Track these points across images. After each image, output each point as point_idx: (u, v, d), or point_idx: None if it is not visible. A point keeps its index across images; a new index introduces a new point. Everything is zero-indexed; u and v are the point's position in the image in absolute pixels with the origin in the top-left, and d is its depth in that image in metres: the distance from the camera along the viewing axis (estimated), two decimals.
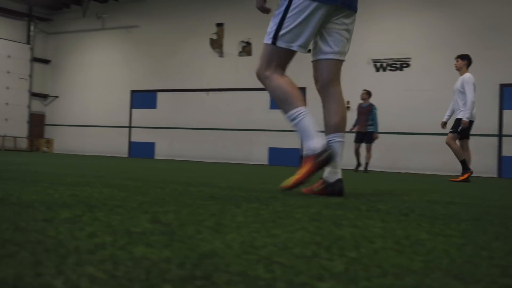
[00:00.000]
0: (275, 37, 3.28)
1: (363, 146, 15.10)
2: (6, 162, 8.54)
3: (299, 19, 3.22)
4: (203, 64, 23.02)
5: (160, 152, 23.57)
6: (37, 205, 2.17)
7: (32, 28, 26.68)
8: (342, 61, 3.58)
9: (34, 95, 26.63)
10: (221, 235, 1.61)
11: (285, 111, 3.28)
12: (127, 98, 24.75)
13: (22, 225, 1.61)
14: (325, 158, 3.15)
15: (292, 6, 3.21)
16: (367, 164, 15.02)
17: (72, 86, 26.44)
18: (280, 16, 3.25)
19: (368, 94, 15.39)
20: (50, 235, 1.46)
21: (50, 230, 1.56)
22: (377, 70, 19.64)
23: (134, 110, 24.59)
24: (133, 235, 1.55)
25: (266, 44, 3.35)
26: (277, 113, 18.23)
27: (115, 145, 24.78)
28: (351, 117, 18.98)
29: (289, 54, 3.34)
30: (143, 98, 24.32)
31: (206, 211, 2.26)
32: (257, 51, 21.78)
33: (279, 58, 3.32)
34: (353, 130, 15.16)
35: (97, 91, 25.53)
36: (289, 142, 20.79)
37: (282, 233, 1.71)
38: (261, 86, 3.55)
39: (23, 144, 26.17)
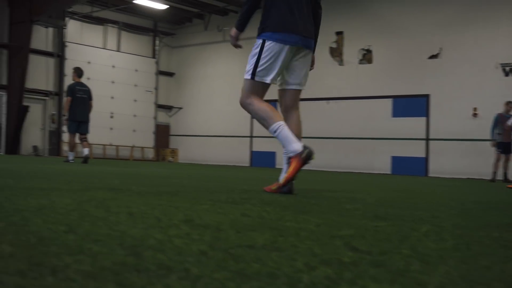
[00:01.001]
0: (253, 74, 4.35)
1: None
2: (153, 174, 9.90)
3: (271, 59, 4.28)
4: (323, 73, 24.01)
5: (281, 161, 24.79)
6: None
7: (157, 42, 29.07)
8: (301, 90, 4.62)
9: (159, 106, 28.97)
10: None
11: (268, 127, 4.29)
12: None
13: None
14: (307, 154, 4.06)
15: (265, 49, 4.29)
16: (505, 173, 15.38)
17: (195, 97, 28.49)
18: (256, 57, 4.33)
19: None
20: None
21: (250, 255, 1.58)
22: (506, 74, 19.70)
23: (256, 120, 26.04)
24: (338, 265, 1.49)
25: (246, 79, 4.41)
26: (400, 120, 19.12)
27: (237, 154, 26.38)
28: (479, 124, 19.30)
29: (264, 86, 4.39)
30: None
31: (384, 234, 2.25)
32: (378, 58, 22.57)
33: (257, 89, 4.37)
34: (495, 139, 15.30)
35: (219, 101, 27.34)
36: (413, 150, 21.31)
37: None
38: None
39: (150, 154, 28.49)
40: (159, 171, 10.26)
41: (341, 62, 23.64)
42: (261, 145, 25.70)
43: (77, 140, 13.01)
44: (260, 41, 4.32)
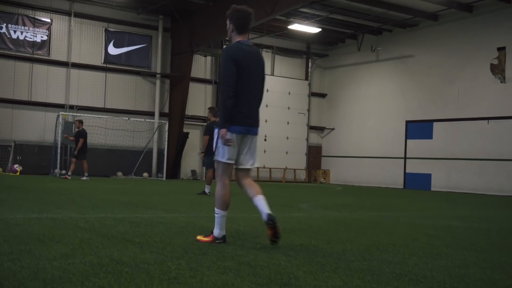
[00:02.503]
0: (220, 155, 5.50)
1: None
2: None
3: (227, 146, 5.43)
4: (483, 91, 23.19)
5: (437, 183, 24.26)
6: None
7: (310, 64, 29.82)
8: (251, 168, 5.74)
9: (311, 128, 29.64)
10: None
11: (217, 208, 5.45)
12: (402, 128, 26.03)
13: None
14: (219, 242, 5.38)
15: (220, 139, 5.42)
16: None
17: (348, 118, 28.80)
18: (215, 142, 5.51)
19: None
20: None
21: None
22: None
23: (409, 141, 25.75)
24: None
25: (215, 161, 5.58)
26: None
27: (390, 176, 26.20)
28: None
29: (229, 165, 5.54)
30: (418, 129, 25.33)
31: None
32: None
33: (225, 168, 5.52)
34: None
35: (371, 122, 27.39)
36: None
37: None
38: None
39: (302, 175, 29.19)
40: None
41: (503, 79, 22.63)
42: (415, 167, 25.32)
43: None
44: (217, 130, 5.53)
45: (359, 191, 21.26)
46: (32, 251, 4.40)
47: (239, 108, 5.46)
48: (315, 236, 6.41)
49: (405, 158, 25.93)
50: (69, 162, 21.60)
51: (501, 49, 22.82)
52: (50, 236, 5.26)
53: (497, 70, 22.93)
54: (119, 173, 24.01)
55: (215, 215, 5.46)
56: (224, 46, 5.22)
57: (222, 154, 5.48)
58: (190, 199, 11.63)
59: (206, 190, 13.44)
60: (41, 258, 4.15)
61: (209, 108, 14.32)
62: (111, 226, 6.25)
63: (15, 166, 21.64)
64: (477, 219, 9.89)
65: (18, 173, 21.36)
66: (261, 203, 5.45)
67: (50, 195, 10.79)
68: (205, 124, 26.65)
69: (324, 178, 29.03)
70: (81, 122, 19.83)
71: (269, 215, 5.30)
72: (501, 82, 22.75)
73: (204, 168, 14.11)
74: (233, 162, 5.55)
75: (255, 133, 5.69)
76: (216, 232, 5.44)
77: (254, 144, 5.75)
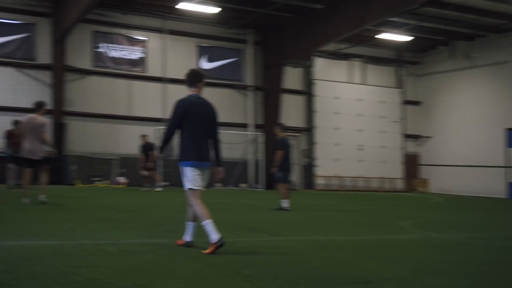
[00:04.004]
0: (192, 184, 6.78)
1: None
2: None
3: (192, 175, 6.79)
4: None
5: None
6: None
7: (402, 72, 29.33)
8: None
9: (407, 136, 29.10)
10: None
11: (201, 220, 6.61)
12: (501, 136, 25.11)
13: None
14: (220, 244, 6.41)
15: (187, 170, 6.80)
16: None
17: (444, 126, 28.07)
18: (186, 175, 6.80)
19: None
20: None
21: None
22: None
23: (510, 149, 24.83)
24: None
25: (187, 188, 6.84)
26: None
27: (490, 185, 25.29)
28: None
29: (197, 191, 6.81)
30: None
31: None
32: None
33: (194, 193, 6.80)
34: None
35: (469, 130, 26.60)
36: None
37: None
38: None
39: (399, 185, 28.70)
40: None
41: None
42: None
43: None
44: (182, 167, 6.88)
45: (461, 202, 20.63)
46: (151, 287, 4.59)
47: (190, 147, 6.87)
48: (420, 267, 6.14)
49: (506, 167, 24.98)
50: (163, 174, 22.37)
51: None
52: (165, 267, 5.47)
53: None
54: (218, 184, 24.55)
55: (205, 226, 6.54)
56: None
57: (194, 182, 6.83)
58: (287, 217, 11.72)
59: (284, 205, 13.45)
60: None
61: (277, 124, 14.40)
62: (219, 254, 6.41)
63: (120, 178, 22.67)
64: None
65: (123, 185, 22.39)
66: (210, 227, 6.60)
67: (156, 213, 11.19)
68: (298, 134, 26.82)
69: (423, 187, 28.45)
70: (144, 136, 20.80)
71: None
72: None
73: (279, 182, 14.07)
74: (196, 188, 6.83)
75: (205, 166, 6.97)
76: (214, 237, 6.44)
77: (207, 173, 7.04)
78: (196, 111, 6.98)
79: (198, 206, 6.72)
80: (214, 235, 6.45)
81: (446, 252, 7.34)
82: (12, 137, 16.01)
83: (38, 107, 12.07)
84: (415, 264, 6.28)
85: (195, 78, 7.27)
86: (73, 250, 6.20)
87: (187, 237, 6.88)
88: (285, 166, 13.69)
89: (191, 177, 6.79)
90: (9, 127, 17.35)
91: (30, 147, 11.76)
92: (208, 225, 6.54)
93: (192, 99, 7.08)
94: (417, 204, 18.58)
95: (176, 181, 23.20)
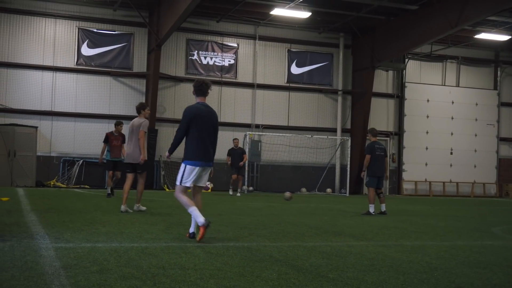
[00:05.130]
0: (180, 181, 7.69)
1: None
2: None
3: (189, 174, 7.65)
4: None
5: None
6: None
7: (498, 73, 28.17)
8: (203, 186, 8.00)
9: (502, 139, 27.91)
10: None
11: (187, 208, 7.44)
12: None
13: None
14: (207, 224, 7.23)
15: (187, 169, 7.64)
16: None
17: None
18: (182, 172, 7.66)
19: None
20: None
21: None
22: None
23: None
24: None
25: (176, 184, 7.76)
26: None
27: None
28: None
29: (185, 187, 7.70)
30: None
31: None
32: None
33: (183, 189, 7.67)
34: None
35: None
36: None
37: None
38: None
39: (492, 190, 27.58)
40: None
41: None
42: None
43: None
44: (184, 164, 7.70)
45: None
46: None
47: (192, 148, 7.66)
48: None
49: None
50: (247, 179, 22.62)
51: None
52: (250, 270, 5.55)
53: None
54: (303, 189, 24.55)
55: (191, 213, 7.36)
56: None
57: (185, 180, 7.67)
58: (375, 221, 11.55)
59: (371, 210, 13.23)
60: None
61: (369, 129, 14.23)
62: (304, 257, 6.42)
63: (207, 183, 23.08)
64: None
65: (209, 190, 22.81)
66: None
67: (241, 217, 11.34)
68: (387, 139, 26.36)
69: None
70: (236, 139, 20.87)
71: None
72: None
73: (368, 188, 13.83)
74: (188, 186, 7.72)
75: (209, 166, 7.86)
76: (200, 221, 7.20)
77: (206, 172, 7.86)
78: (203, 117, 7.74)
79: (182, 197, 7.56)
80: (200, 219, 7.20)
81: None
82: (110, 139, 15.56)
83: (139, 109, 11.55)
84: (508, 271, 6.06)
85: (203, 87, 7.94)
86: (161, 252, 6.40)
87: (191, 228, 7.63)
88: (373, 170, 13.53)
89: (187, 175, 7.62)
90: (108, 130, 17.21)
91: (129, 151, 11.42)
92: (194, 211, 7.34)
93: (200, 107, 7.81)
94: (510, 210, 17.80)
95: (262, 186, 23.50)
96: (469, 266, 6.32)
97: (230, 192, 20.69)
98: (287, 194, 17.11)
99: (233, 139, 21.05)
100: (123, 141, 15.55)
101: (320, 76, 25.98)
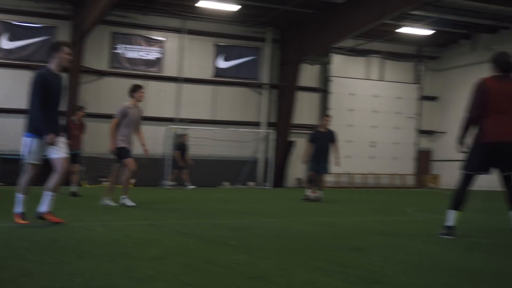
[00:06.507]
0: (28, 157, 6.68)
1: None
2: None
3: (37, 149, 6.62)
4: None
5: None
6: None
7: (420, 67, 29.01)
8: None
9: (421, 132, 28.76)
10: None
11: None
12: None
13: None
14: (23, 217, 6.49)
15: (33, 146, 6.61)
16: None
17: (459, 121, 27.49)
18: (27, 150, 6.66)
19: None
20: None
21: None
22: None
23: None
24: None
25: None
26: None
27: (490, 179, 24.79)
28: None
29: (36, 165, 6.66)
30: None
31: None
32: None
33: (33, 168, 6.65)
34: None
35: None
36: None
37: None
38: None
39: (410, 181, 28.38)
40: None
41: None
42: None
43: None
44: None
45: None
46: (129, 253, 4.58)
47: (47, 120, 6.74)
48: (414, 237, 6.23)
49: None
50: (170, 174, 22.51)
51: None
52: (148, 240, 5.44)
53: None
54: (226, 183, 24.40)
55: (18, 198, 6.58)
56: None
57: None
58: (292, 205, 11.62)
59: (313, 194, 13.33)
60: (136, 259, 4.31)
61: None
62: (209, 230, 6.38)
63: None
64: None
65: (131, 186, 22.38)
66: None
67: (158, 205, 11.18)
68: (310, 132, 26.57)
69: (434, 183, 28.04)
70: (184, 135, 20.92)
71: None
72: None
73: (312, 173, 13.90)
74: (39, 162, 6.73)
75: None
76: (18, 210, 6.52)
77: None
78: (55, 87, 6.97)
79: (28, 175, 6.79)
80: (20, 209, 6.56)
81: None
82: (69, 128, 13.49)
83: (132, 92, 10.61)
84: (408, 237, 6.22)
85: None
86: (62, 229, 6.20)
87: (19, 208, 6.64)
88: (313, 156, 13.70)
89: (35, 151, 6.69)
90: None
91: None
92: (19, 198, 6.64)
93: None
94: (426, 196, 18.44)
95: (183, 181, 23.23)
96: (373, 234, 6.49)
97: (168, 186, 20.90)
98: None
99: (182, 135, 21.01)
100: (83, 131, 14.33)
101: (248, 70, 25.95)
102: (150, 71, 24.19)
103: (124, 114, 10.09)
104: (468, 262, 4.54)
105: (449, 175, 27.73)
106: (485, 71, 22.40)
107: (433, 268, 4.20)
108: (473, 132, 6.22)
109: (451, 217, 6.15)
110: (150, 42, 24.29)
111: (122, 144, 9.98)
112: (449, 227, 6.14)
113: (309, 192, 13.33)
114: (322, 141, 13.66)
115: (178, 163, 20.97)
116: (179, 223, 7.23)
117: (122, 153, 9.94)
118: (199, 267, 4.03)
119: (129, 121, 10.13)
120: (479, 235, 6.74)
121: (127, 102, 10.39)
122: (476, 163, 6.18)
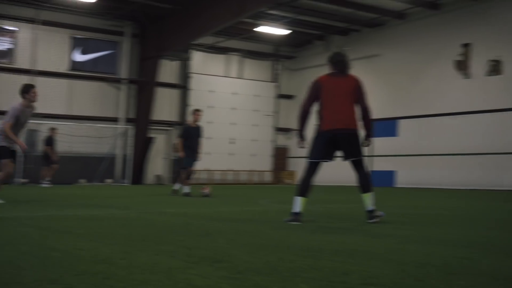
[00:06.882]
0: None
1: None
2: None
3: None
4: (447, 88, 23.50)
5: (401, 180, 24.51)
6: None
7: (278, 66, 29.93)
8: None
9: (279, 130, 29.70)
10: None
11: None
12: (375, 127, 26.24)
13: None
14: None
15: None
16: None
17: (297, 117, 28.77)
18: None
19: None
20: None
21: None
22: None
23: (375, 139, 25.86)
24: None
25: None
26: None
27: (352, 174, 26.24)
28: None
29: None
30: (383, 127, 25.45)
31: None
32: (509, 69, 21.70)
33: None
34: None
35: None
36: None
37: None
38: None
39: (267, 177, 29.24)
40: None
41: (466, 75, 22.96)
42: (380, 165, 25.41)
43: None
44: None
45: (320, 189, 21.27)
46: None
47: None
48: (263, 223, 6.43)
49: (371, 156, 26.06)
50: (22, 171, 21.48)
51: (466, 45, 23.12)
52: None
53: (462, 66, 23.24)
54: (82, 180, 23.63)
55: None
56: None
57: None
58: (148, 200, 11.55)
59: (186, 191, 13.33)
60: None
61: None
62: (56, 221, 6.17)
63: None
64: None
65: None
66: None
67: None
68: (170, 128, 26.52)
69: (290, 179, 29.07)
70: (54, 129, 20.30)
71: None
72: (464, 78, 23.06)
73: (191, 168, 13.88)
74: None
75: None
76: None
77: None
78: None
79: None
80: None
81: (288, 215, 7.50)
82: None
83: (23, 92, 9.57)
84: (258, 223, 6.41)
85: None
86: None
87: None
88: (188, 152, 13.58)
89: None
90: None
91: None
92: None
93: None
94: (281, 191, 19.10)
95: (37, 179, 22.03)
96: (224, 221, 6.61)
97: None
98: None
99: (50, 129, 20.29)
100: None
101: (106, 65, 25.35)
102: (1, 62, 22.91)
103: (17, 118, 9.31)
104: (311, 242, 4.75)
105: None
106: None
107: (277, 248, 4.36)
108: (313, 125, 6.60)
109: (298, 204, 6.44)
110: (1, 32, 23.01)
111: (3, 143, 9.23)
112: (296, 213, 6.41)
113: (187, 189, 13.29)
114: (194, 136, 13.72)
115: (51, 157, 19.89)
116: (25, 216, 6.92)
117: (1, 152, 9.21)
118: (38, 253, 3.89)
119: (20, 122, 9.43)
120: (326, 220, 7.09)
121: (18, 103, 9.50)
122: (318, 151, 6.54)
